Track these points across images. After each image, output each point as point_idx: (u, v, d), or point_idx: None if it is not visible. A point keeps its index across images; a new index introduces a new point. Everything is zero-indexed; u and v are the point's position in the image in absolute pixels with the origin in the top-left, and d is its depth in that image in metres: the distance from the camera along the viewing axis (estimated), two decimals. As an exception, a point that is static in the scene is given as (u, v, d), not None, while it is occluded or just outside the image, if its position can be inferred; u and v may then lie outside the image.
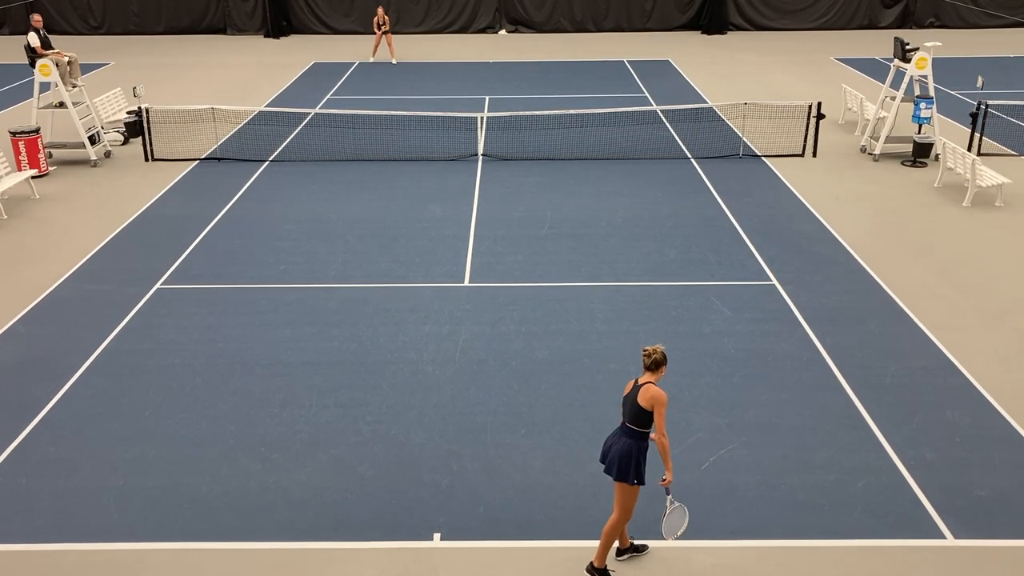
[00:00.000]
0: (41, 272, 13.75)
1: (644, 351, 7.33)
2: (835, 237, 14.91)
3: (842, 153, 19.66)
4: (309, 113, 22.90)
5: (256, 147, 20.23)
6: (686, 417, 9.91)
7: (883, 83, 24.25)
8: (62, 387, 10.59)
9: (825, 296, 12.76)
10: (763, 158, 19.28)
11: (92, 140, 19.26)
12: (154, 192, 17.39)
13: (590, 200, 16.69)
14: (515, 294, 12.88)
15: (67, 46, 28.83)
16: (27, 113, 22.69)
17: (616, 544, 7.90)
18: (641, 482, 7.32)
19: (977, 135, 19.24)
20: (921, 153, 18.68)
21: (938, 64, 28.61)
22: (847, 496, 8.64)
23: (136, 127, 20.25)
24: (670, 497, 7.52)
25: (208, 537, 8.16)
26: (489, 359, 11.13)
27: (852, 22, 36.71)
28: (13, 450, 9.43)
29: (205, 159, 19.41)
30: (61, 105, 19.23)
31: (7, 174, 16.93)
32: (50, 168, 18.74)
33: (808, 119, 19.64)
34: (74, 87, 19.36)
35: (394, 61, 30.76)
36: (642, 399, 7.17)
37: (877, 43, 33.42)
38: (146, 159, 19.39)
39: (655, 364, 7.28)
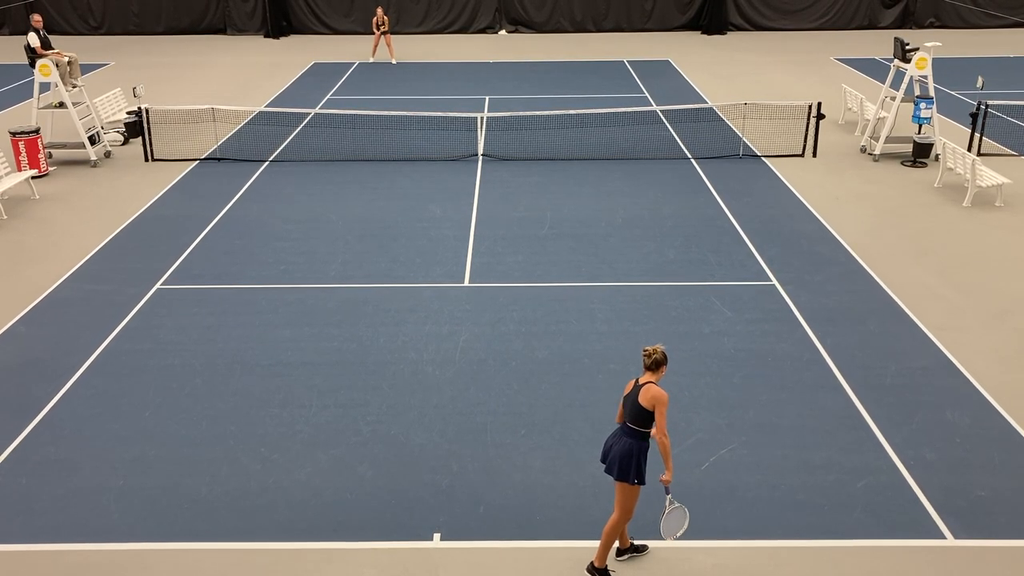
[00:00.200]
0: (41, 272, 13.75)
1: (644, 351, 7.33)
2: (835, 237, 14.91)
3: (842, 153, 19.66)
4: (309, 113, 22.90)
5: (256, 147, 20.23)
6: (686, 417, 9.91)
7: (883, 83, 24.25)
8: (62, 387, 10.59)
9: (825, 296, 12.76)
10: (763, 158, 19.28)
11: (92, 140, 19.26)
12: (154, 192, 17.39)
13: (590, 200, 16.69)
14: (515, 294, 12.88)
15: (67, 46, 28.84)
16: (27, 113, 22.70)
17: (616, 544, 7.90)
18: (642, 482, 7.32)
19: (977, 135, 19.24)
20: (921, 153, 18.68)
21: (938, 64, 28.61)
22: (847, 496, 8.64)
23: (136, 127, 20.24)
24: (669, 497, 7.52)
25: (208, 537, 8.16)
26: (489, 359, 11.13)
27: (852, 22, 36.71)
28: (13, 450, 9.43)
29: (205, 159, 19.41)
30: (61, 105, 19.24)
31: (7, 174, 16.94)
32: (50, 168, 18.74)
33: (808, 119, 19.64)
34: (74, 87, 19.36)
35: (394, 61, 30.77)
36: (643, 399, 7.17)
37: (877, 43, 33.43)
38: (146, 159, 19.39)
39: (655, 364, 7.28)
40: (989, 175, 16.52)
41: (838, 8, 36.55)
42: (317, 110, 20.12)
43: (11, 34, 36.68)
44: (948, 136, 20.32)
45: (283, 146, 20.34)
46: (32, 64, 18.86)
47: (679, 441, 9.48)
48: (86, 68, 29.17)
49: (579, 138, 20.77)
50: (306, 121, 22.38)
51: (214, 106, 20.74)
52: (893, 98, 19.38)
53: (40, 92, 19.23)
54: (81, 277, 13.57)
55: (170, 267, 13.89)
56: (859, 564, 7.79)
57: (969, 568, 7.74)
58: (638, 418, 7.25)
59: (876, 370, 10.84)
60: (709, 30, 36.04)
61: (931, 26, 36.83)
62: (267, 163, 19.09)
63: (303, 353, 11.29)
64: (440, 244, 14.69)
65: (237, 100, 24.97)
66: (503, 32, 36.80)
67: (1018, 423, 9.79)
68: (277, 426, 9.80)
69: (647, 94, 25.54)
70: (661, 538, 8.02)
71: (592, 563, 7.66)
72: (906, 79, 18.81)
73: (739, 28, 36.73)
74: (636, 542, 7.98)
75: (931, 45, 19.49)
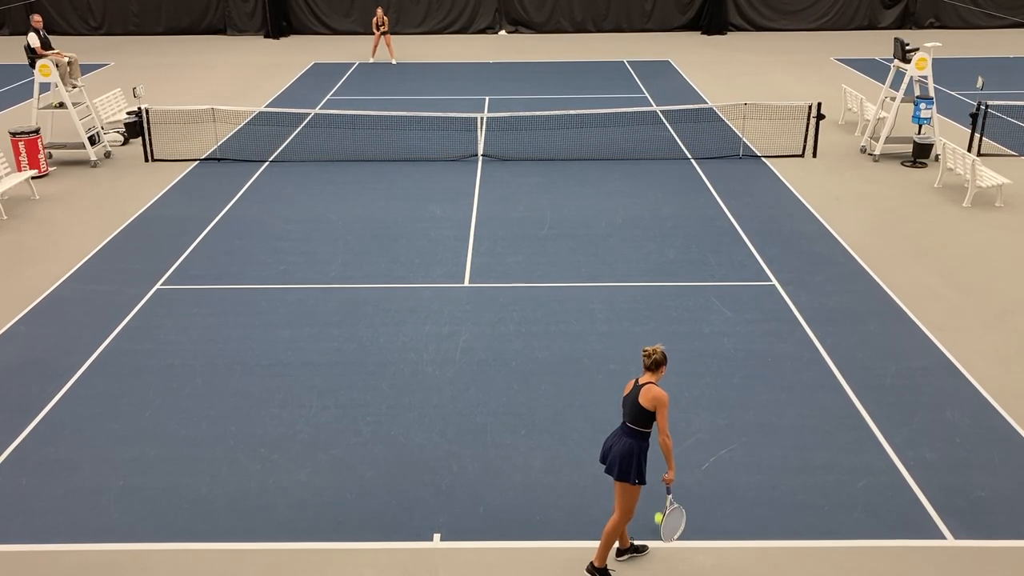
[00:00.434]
0: (41, 272, 13.75)
1: (644, 351, 7.33)
2: (835, 237, 14.91)
3: (842, 153, 19.66)
4: (309, 113, 22.90)
5: (256, 147, 20.23)
6: (686, 417, 9.91)
7: (883, 83, 24.25)
8: (62, 387, 10.59)
9: (825, 296, 12.76)
10: (763, 158, 19.28)
11: (92, 140, 19.26)
12: (154, 192, 17.39)
13: (590, 200, 16.70)
14: (515, 294, 12.88)
15: (67, 46, 28.83)
16: (27, 113, 22.69)
17: (616, 544, 7.91)
18: (642, 482, 7.32)
19: (977, 135, 19.24)
20: (921, 153, 18.69)
21: (938, 65, 28.62)
22: (847, 496, 8.64)
23: (136, 127, 20.24)
24: (670, 497, 7.53)
25: (208, 537, 8.16)
26: (489, 359, 11.13)
27: (852, 22, 36.71)
28: (13, 450, 9.43)
29: (205, 159, 19.41)
30: (61, 105, 19.24)
31: (7, 175, 16.94)
32: (50, 168, 18.74)
33: (808, 119, 19.64)
34: (74, 87, 19.36)
35: (394, 61, 30.77)
36: (644, 400, 7.17)
37: (877, 43, 33.43)
38: (146, 159, 19.39)
39: (655, 364, 7.28)
40: (989, 175, 16.52)
41: (838, 8, 36.55)
42: (317, 110, 20.13)
43: (11, 34, 36.69)
44: (948, 136, 20.32)
45: (283, 146, 20.34)
46: (32, 64, 18.86)
47: (679, 441, 9.48)
48: (86, 68, 29.18)
49: (579, 138, 20.77)
50: (306, 121, 22.39)
51: (214, 106, 20.75)
52: (893, 98, 19.38)
53: (40, 92, 19.23)
54: (81, 277, 13.57)
55: (170, 267, 13.89)
56: (859, 564, 7.79)
57: (969, 568, 7.75)
58: (638, 418, 7.25)
59: (876, 370, 10.84)
60: (709, 30, 36.05)
61: (931, 26, 36.83)
62: (267, 163, 19.09)
63: (303, 353, 11.29)
64: (440, 244, 14.69)
65: (237, 100, 24.97)
66: (503, 32, 36.80)
67: (1018, 423, 9.79)
68: (277, 426, 9.80)
69: (647, 94, 25.55)
70: (661, 538, 8.02)
71: (592, 563, 7.66)
72: (906, 79, 18.81)
73: (739, 28, 36.74)
74: (636, 542, 7.98)
75: (931, 45, 19.49)
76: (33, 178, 17.83)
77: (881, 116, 19.93)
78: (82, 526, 8.31)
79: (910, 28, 36.60)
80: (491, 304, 12.59)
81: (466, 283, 13.27)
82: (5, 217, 16.05)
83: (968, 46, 32.70)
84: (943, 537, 8.11)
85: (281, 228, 15.45)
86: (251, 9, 36.26)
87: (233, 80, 27.82)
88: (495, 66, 29.94)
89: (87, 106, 19.64)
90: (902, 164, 18.90)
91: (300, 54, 32.38)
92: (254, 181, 17.96)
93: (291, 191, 17.33)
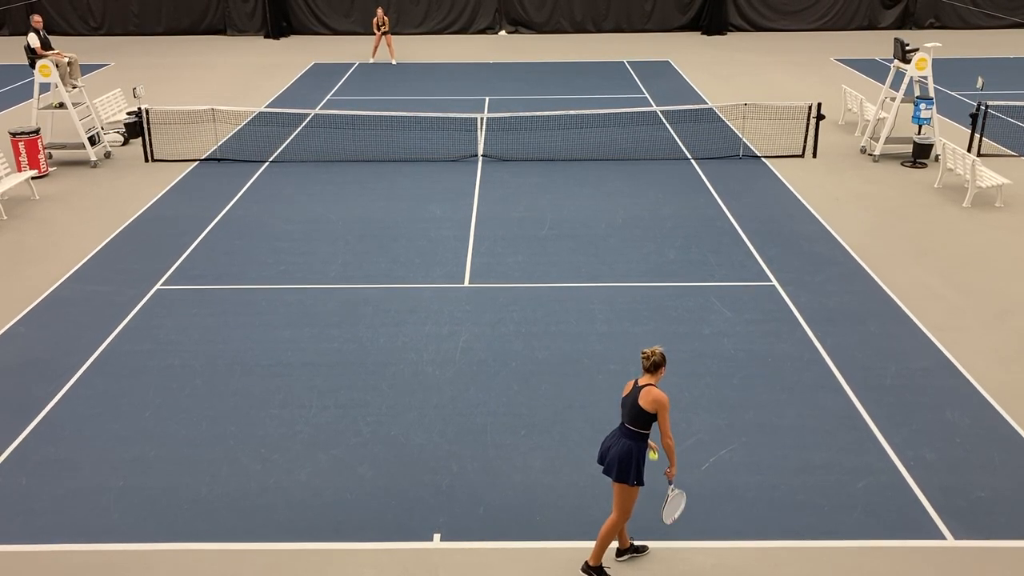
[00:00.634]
0: (41, 272, 13.75)
1: (642, 353, 7.33)
2: (835, 238, 14.91)
3: (842, 154, 19.66)
4: (309, 114, 22.90)
5: (256, 148, 20.24)
6: (686, 418, 9.91)
7: (883, 84, 24.26)
8: (62, 387, 10.59)
9: (825, 297, 12.77)
10: (763, 159, 19.28)
11: (92, 141, 19.26)
12: (154, 193, 17.39)
13: (590, 201, 16.70)
14: (515, 295, 12.88)
15: (67, 47, 28.84)
16: (27, 114, 22.70)
17: (616, 544, 7.91)
18: (641, 483, 7.32)
19: (977, 136, 19.24)
20: (921, 154, 18.69)
21: (938, 65, 28.62)
22: (847, 497, 8.64)
23: (136, 128, 20.25)
24: (672, 486, 7.54)
25: (208, 537, 8.16)
26: (489, 360, 11.13)
27: (852, 23, 36.72)
28: (13, 450, 9.43)
29: (205, 160, 19.41)
30: (61, 106, 19.24)
31: (7, 175, 16.94)
32: (50, 169, 18.75)
33: (808, 120, 19.64)
34: (74, 88, 19.36)
35: (394, 62, 30.77)
36: (644, 402, 7.17)
37: (877, 44, 33.43)
38: (146, 160, 19.39)
39: (654, 366, 7.28)
40: (989, 176, 16.52)
41: (838, 8, 36.56)
42: (317, 110, 20.13)
43: (11, 35, 36.69)
44: (948, 137, 20.32)
45: (283, 146, 20.34)
46: (32, 65, 18.86)
47: (679, 442, 9.48)
48: (86, 69, 29.18)
49: (579, 138, 20.77)
50: (306, 122, 22.39)
51: (214, 107, 20.75)
52: (893, 99, 19.38)
53: (40, 93, 19.23)
54: (81, 277, 13.57)
55: (170, 267, 13.89)
56: (859, 564, 7.79)
57: (969, 568, 7.75)
58: (637, 420, 7.25)
59: (876, 370, 10.84)
60: (709, 31, 36.05)
61: (931, 27, 36.83)
62: (267, 163, 19.10)
63: (303, 354, 11.29)
64: (440, 245, 14.69)
65: (237, 101, 24.97)
66: (503, 32, 36.81)
67: (1018, 423, 9.79)
68: (277, 426, 9.80)
69: (647, 95, 25.55)
70: (661, 538, 8.02)
71: (586, 562, 7.66)
72: (906, 80, 18.81)
73: (739, 28, 36.74)
74: (636, 542, 7.98)
75: (931, 46, 19.49)
76: (33, 178, 17.84)
77: (881, 116, 19.93)
78: (82, 526, 8.31)
79: (910, 28, 36.61)
80: (491, 304, 12.59)
81: (466, 283, 13.27)
82: (5, 217, 16.05)
83: (968, 46, 32.71)
84: (943, 537, 8.11)
85: (281, 228, 15.45)
86: (251, 9, 36.26)
87: (233, 80, 27.83)
88: (495, 66, 29.94)
89: (87, 106, 19.64)
90: (902, 164, 18.90)
91: (300, 54, 32.38)
92: (254, 181, 17.97)
93: (291, 191, 17.33)
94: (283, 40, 35.58)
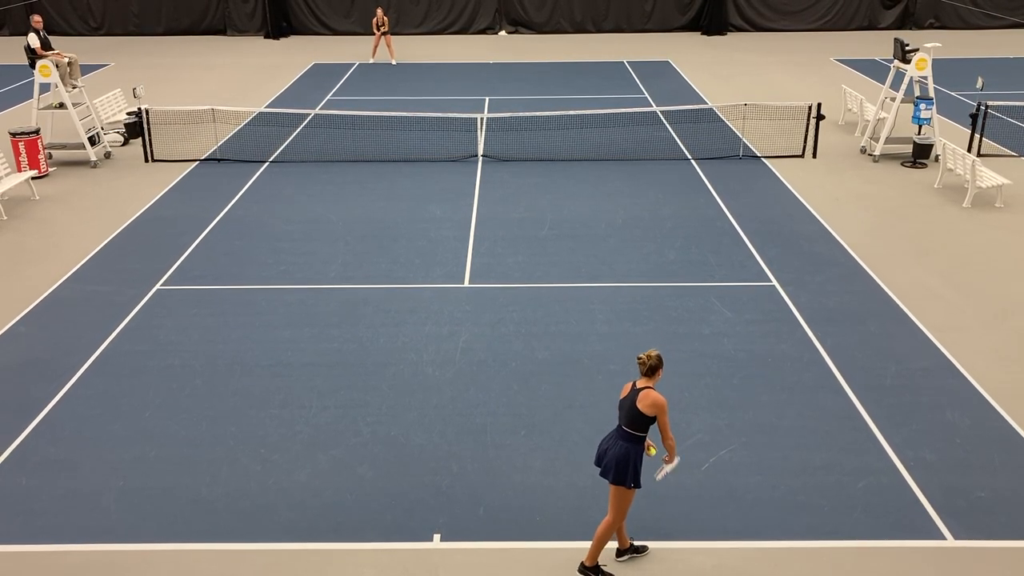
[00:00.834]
0: (41, 273, 13.75)
1: (639, 358, 7.31)
2: (835, 238, 14.91)
3: (842, 154, 19.66)
4: (309, 114, 22.90)
5: (256, 148, 20.24)
6: (686, 418, 9.91)
7: (883, 84, 24.25)
8: (62, 387, 10.59)
9: (825, 297, 12.76)
10: (763, 159, 19.28)
11: (92, 141, 19.26)
12: (154, 193, 17.40)
13: (590, 201, 16.70)
14: (515, 295, 12.88)
15: (67, 47, 28.84)
16: (27, 114, 22.69)
17: (616, 545, 7.91)
18: (638, 485, 7.32)
19: (977, 136, 19.24)
20: (921, 154, 18.69)
21: (938, 65, 28.62)
22: (847, 497, 8.64)
23: (136, 128, 20.25)
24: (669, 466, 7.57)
25: (208, 538, 8.16)
26: (489, 360, 11.13)
27: (852, 23, 36.72)
28: (13, 450, 9.43)
29: (205, 160, 19.41)
30: (61, 106, 19.24)
31: (7, 175, 16.94)
32: (50, 169, 18.75)
33: (808, 120, 19.64)
34: (74, 88, 19.36)
35: (394, 62, 30.77)
36: (642, 405, 7.16)
37: (877, 44, 33.43)
38: (146, 160, 19.39)
39: (651, 370, 7.27)
40: (989, 176, 16.52)
41: (838, 8, 36.56)
42: (317, 111, 20.14)
43: (11, 35, 36.69)
44: (948, 137, 20.32)
45: (283, 147, 20.34)
46: (32, 65, 18.86)
47: (679, 442, 9.48)
48: (86, 69, 29.18)
49: (579, 139, 20.77)
50: (306, 122, 22.39)
51: (214, 107, 20.75)
52: (893, 99, 19.38)
53: (40, 93, 19.23)
54: (81, 278, 13.57)
55: (170, 268, 13.89)
56: (859, 565, 7.79)
57: (969, 568, 7.75)
58: (634, 422, 7.24)
59: (876, 371, 10.84)
60: (709, 31, 36.05)
61: (931, 27, 36.83)
62: (267, 164, 19.09)
63: (303, 354, 11.29)
64: (440, 245, 14.69)
65: (237, 101, 24.97)
66: (503, 33, 36.81)
67: (1018, 423, 9.79)
68: (277, 427, 9.80)
69: (647, 95, 25.55)
70: (661, 539, 8.03)
71: (583, 563, 7.66)
72: (906, 80, 18.81)
73: (739, 29, 36.74)
74: (636, 543, 7.98)
75: (931, 46, 19.49)
76: (33, 178, 17.83)
77: (881, 116, 19.93)
78: (82, 526, 8.31)
79: (910, 28, 36.60)
80: (491, 304, 12.59)
81: (466, 283, 13.27)
82: (5, 217, 16.05)
83: (968, 46, 32.71)
84: (943, 537, 8.11)
85: (281, 228, 15.45)
86: (251, 10, 36.26)
87: (233, 81, 27.83)
88: (495, 66, 29.94)
89: (87, 106, 19.64)
90: (902, 164, 18.90)
91: (300, 54, 32.38)
92: (254, 181, 17.97)
93: (291, 191, 17.33)
94: (283, 40, 35.58)
